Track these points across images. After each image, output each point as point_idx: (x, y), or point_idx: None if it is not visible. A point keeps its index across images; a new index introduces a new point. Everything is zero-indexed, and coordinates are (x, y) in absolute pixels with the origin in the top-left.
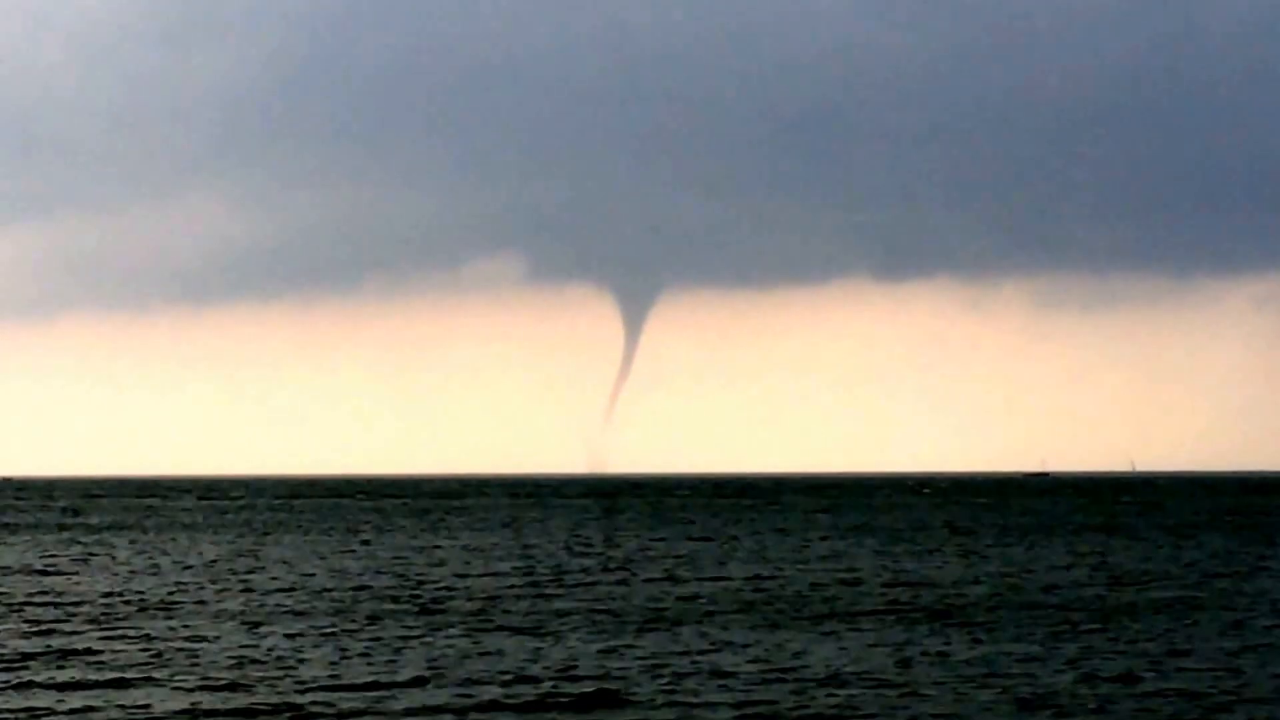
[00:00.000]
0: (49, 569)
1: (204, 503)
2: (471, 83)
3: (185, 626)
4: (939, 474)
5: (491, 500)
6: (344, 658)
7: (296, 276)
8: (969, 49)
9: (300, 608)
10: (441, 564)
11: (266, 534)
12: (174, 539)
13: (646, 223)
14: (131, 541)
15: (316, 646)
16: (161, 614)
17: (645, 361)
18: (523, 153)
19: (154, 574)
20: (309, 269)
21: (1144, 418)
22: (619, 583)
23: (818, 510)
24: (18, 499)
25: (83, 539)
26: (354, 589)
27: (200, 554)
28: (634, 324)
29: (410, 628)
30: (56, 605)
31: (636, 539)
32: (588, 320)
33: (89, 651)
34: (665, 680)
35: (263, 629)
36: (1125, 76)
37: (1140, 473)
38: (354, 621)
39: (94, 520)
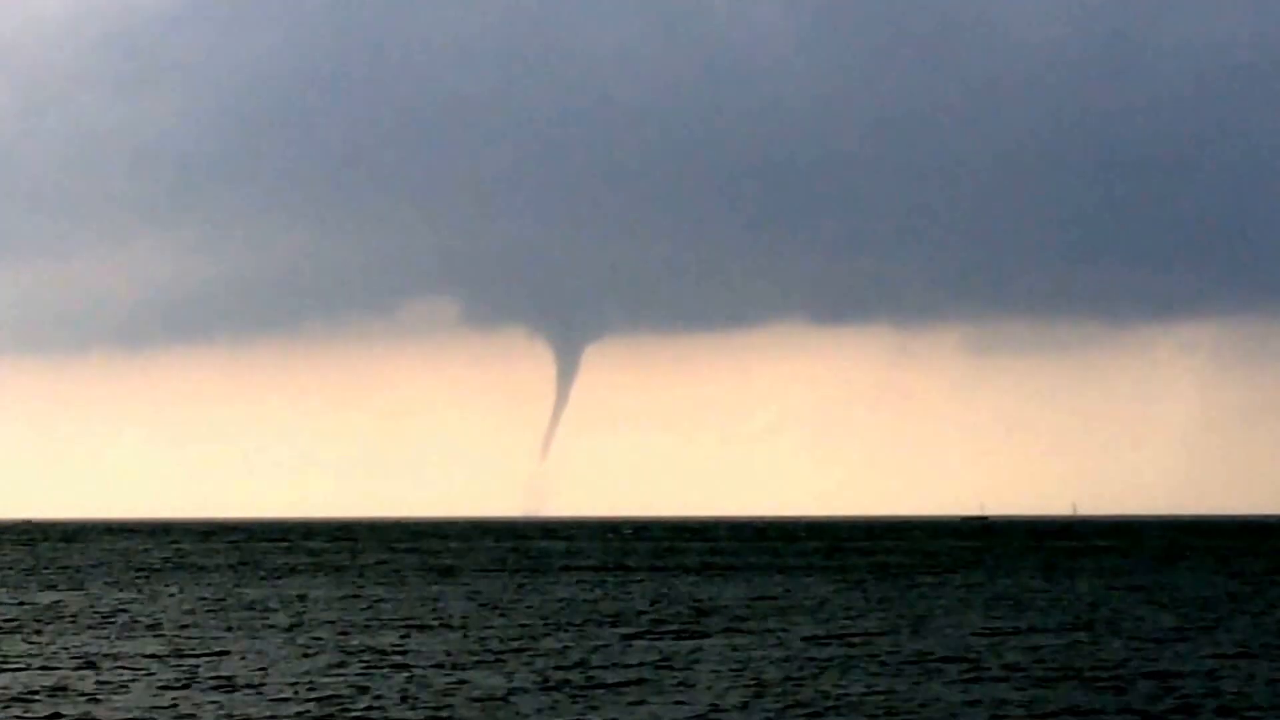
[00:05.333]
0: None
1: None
2: (409, 127)
3: None
4: (877, 518)
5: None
6: None
7: (233, 320)
8: (913, 100)
9: None
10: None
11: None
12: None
13: (582, 266)
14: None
15: None
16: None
17: (581, 404)
18: (459, 197)
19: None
20: (246, 313)
21: (1083, 461)
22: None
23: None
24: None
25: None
26: None
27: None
28: (568, 367)
29: None
30: None
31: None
32: (522, 364)
33: None
34: None
35: None
36: (1064, 127)
37: (1082, 517)
38: None
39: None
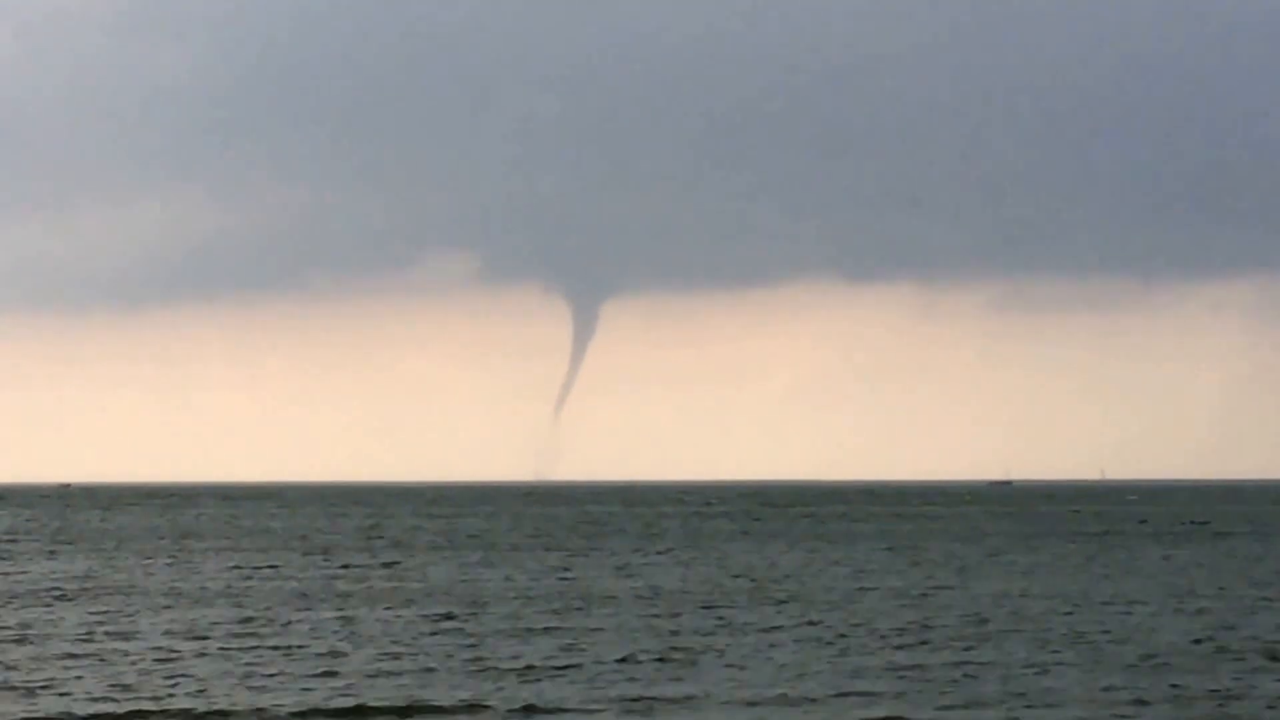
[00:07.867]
0: None
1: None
2: (424, 80)
3: None
4: (899, 482)
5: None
6: None
7: (241, 276)
8: (940, 55)
9: None
10: None
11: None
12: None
13: (601, 219)
14: None
15: None
16: None
17: (598, 365)
18: (475, 149)
19: None
20: (254, 269)
21: (1111, 424)
22: None
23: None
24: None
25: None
26: None
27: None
28: (584, 324)
29: None
30: None
31: None
32: (538, 322)
33: None
34: None
35: None
36: (1092, 84)
37: (1110, 481)
38: None
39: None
